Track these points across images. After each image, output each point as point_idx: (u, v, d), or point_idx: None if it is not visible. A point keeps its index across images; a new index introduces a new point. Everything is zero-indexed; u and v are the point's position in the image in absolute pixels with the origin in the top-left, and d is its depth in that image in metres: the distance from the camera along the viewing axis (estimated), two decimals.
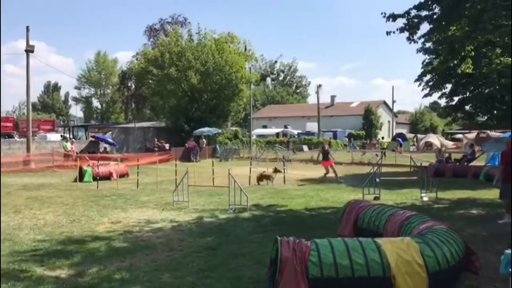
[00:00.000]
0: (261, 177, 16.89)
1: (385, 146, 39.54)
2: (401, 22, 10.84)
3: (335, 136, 52.82)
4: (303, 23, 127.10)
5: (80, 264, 6.41)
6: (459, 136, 46.36)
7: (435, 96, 16.91)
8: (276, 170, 17.29)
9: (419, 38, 11.67)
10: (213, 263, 6.46)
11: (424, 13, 10.73)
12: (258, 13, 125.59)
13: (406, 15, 10.63)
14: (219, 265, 6.37)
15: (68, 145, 26.44)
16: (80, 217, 10.21)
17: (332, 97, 70.17)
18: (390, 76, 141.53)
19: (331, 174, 18.25)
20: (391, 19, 10.60)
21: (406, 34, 11.04)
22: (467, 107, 17.23)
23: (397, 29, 10.83)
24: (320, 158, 18.49)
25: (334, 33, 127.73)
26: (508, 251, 2.80)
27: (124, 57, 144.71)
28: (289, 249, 4.76)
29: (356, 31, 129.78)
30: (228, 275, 5.91)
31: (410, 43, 11.29)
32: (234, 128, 46.48)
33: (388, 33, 10.85)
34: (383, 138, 55.18)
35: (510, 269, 2.66)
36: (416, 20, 10.74)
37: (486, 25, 10.34)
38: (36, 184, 16.49)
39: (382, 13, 10.73)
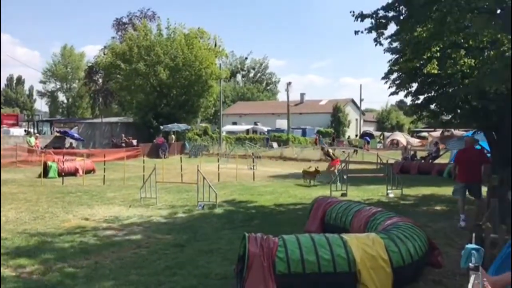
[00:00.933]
0: (308, 173, 16.95)
1: (357, 144, 40.03)
2: (369, 22, 11.00)
3: (304, 133, 53.20)
4: (275, 21, 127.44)
5: (43, 262, 6.25)
6: (424, 134, 47.46)
7: (401, 95, 17.26)
8: (317, 171, 17.25)
9: (386, 39, 11.87)
10: (180, 260, 6.41)
11: (391, 13, 10.91)
12: (229, 10, 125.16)
13: (374, 15, 10.78)
14: (186, 262, 6.33)
15: (32, 140, 25.77)
16: (44, 214, 9.95)
17: (302, 95, 70.61)
18: (359, 75, 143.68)
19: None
20: (359, 19, 10.74)
21: (374, 34, 11.22)
22: (432, 106, 17.61)
23: (365, 29, 10.98)
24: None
25: (305, 31, 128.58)
26: (468, 246, 2.89)
27: (93, 50, 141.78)
28: (257, 246, 4.78)
29: (327, 30, 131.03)
30: (196, 272, 5.88)
31: (376, 45, 11.49)
32: (203, 125, 46.15)
33: (356, 32, 11.00)
34: (356, 136, 55.63)
35: (469, 264, 2.74)
36: (383, 20, 10.91)
37: (451, 26, 10.60)
38: None
39: (351, 12, 10.86)
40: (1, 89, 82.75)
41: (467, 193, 9.54)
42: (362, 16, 10.72)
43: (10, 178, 16.69)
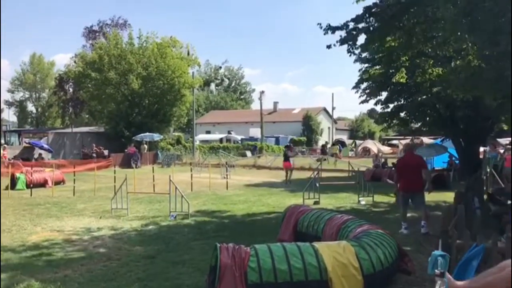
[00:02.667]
0: None
1: (336, 151, 39.95)
2: (339, 34, 11.14)
3: (277, 142, 53.42)
4: (250, 30, 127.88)
5: (9, 278, 6.05)
6: (395, 142, 48.26)
7: (372, 103, 17.68)
8: None
9: (357, 48, 12.06)
10: (151, 272, 6.32)
11: (361, 25, 11.08)
12: (204, 19, 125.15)
13: (344, 27, 10.92)
14: (158, 273, 6.25)
15: None
16: (11, 227, 9.67)
17: (275, 104, 71.05)
18: (332, 84, 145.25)
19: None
20: (330, 31, 10.86)
21: (346, 46, 11.38)
22: (401, 114, 18.01)
23: (337, 41, 11.12)
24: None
25: (280, 40, 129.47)
26: (435, 252, 2.94)
27: (64, 59, 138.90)
28: (228, 256, 4.75)
29: (302, 39, 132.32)
30: (167, 283, 5.81)
31: (350, 55, 11.65)
32: (176, 134, 45.85)
33: (328, 46, 11.10)
34: (335, 143, 55.27)
35: (435, 270, 2.79)
36: (354, 32, 11.07)
37: (419, 36, 10.88)
38: None
39: (318, 24, 10.97)
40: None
41: (410, 202, 9.46)
42: (332, 29, 10.83)
43: None
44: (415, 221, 10.55)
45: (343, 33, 11.01)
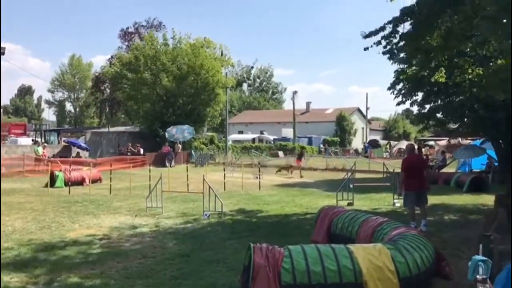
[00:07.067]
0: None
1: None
2: (376, 38, 11.15)
3: (310, 142, 53.13)
4: (283, 30, 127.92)
5: (49, 272, 6.25)
6: (431, 143, 47.24)
7: (408, 104, 17.33)
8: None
9: (395, 50, 11.97)
10: (186, 270, 6.39)
11: (400, 28, 11.02)
12: (237, 20, 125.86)
13: (381, 30, 10.90)
14: (192, 272, 6.31)
15: (40, 149, 25.90)
16: (50, 223, 9.97)
17: (308, 104, 70.69)
18: (366, 84, 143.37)
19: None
20: (369, 38, 10.91)
21: (382, 47, 11.37)
22: (438, 115, 17.60)
23: (374, 43, 11.12)
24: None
25: (313, 40, 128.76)
26: (476, 257, 2.85)
27: (102, 61, 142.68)
28: (262, 256, 4.75)
29: (334, 39, 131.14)
30: (201, 282, 5.86)
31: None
32: (210, 134, 46.23)
33: (365, 49, 11.18)
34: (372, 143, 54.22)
35: (477, 276, 2.70)
36: (392, 35, 11.02)
37: (457, 35, 10.61)
38: (6, 189, 16.01)
39: (361, 33, 11.05)
40: (9, 99, 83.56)
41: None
42: (370, 34, 10.89)
43: (17, 188, 16.78)
44: (453, 224, 10.32)
45: (379, 36, 11.01)
